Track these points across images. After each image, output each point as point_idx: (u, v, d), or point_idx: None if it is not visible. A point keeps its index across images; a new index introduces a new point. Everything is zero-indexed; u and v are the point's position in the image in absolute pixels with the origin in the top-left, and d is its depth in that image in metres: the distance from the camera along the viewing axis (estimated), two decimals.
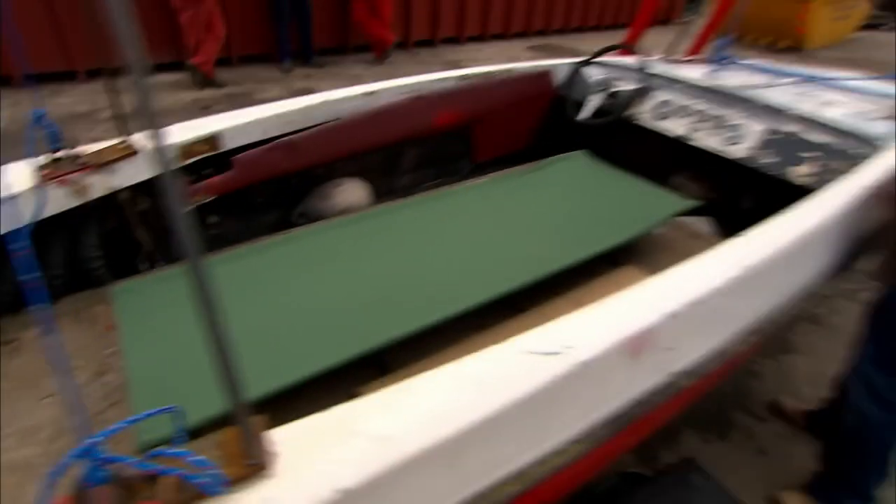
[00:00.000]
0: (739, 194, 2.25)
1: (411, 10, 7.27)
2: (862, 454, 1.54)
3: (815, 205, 1.37)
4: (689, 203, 1.88)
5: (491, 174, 2.31)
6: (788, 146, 1.83)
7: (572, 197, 1.98)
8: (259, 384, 1.08)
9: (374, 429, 0.71)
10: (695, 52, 3.74)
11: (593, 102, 2.35)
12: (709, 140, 2.03)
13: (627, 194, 1.99)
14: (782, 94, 2.23)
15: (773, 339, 2.41)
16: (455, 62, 7.01)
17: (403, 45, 7.36)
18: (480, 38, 8.29)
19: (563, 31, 9.39)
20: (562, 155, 2.22)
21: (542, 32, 9.08)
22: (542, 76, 2.55)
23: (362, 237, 1.68)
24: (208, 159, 1.75)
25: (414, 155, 2.32)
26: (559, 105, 2.51)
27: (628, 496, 1.48)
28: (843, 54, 8.79)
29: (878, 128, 1.87)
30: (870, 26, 10.18)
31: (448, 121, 2.26)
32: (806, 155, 1.79)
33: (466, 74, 2.33)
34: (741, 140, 1.94)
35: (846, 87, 2.37)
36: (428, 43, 7.74)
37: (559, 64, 2.59)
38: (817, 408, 1.92)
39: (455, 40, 8.01)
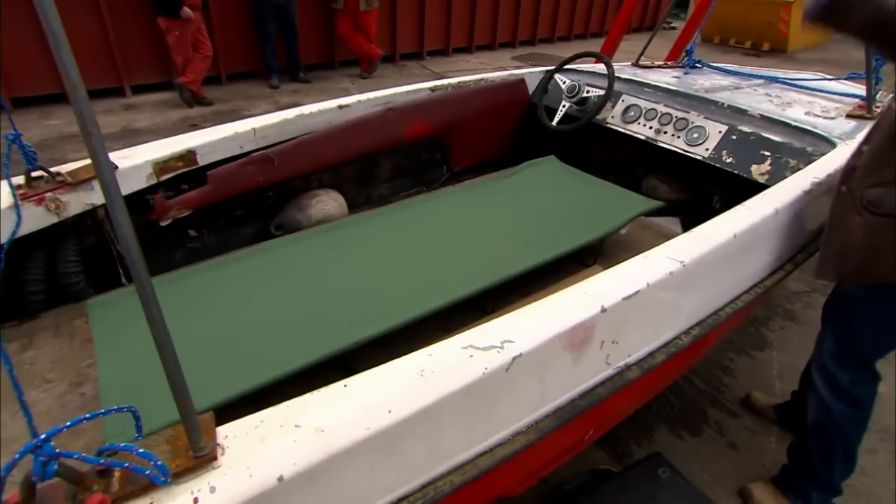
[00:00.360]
0: (710, 194, 2.31)
1: (397, 23, 7.38)
2: (827, 448, 1.57)
3: (764, 200, 1.42)
4: (655, 203, 1.93)
5: (465, 181, 2.37)
6: (750, 145, 1.89)
7: (540, 200, 2.03)
8: (227, 387, 1.13)
9: (315, 421, 0.76)
10: (674, 58, 3.83)
11: (565, 108, 2.41)
12: (675, 141, 2.09)
13: (596, 196, 2.04)
14: (748, 96, 2.30)
15: (740, 332, 2.46)
16: (442, 74, 7.11)
17: (391, 58, 7.47)
18: (467, 49, 8.42)
19: (549, 40, 9.53)
20: (532, 161, 2.28)
21: (527, 42, 9.22)
22: (515, 85, 2.61)
23: (336, 246, 1.73)
24: (185, 175, 1.80)
25: (389, 165, 2.37)
26: (532, 112, 2.57)
27: (596, 492, 1.52)
28: (823, 55, 8.93)
29: (834, 126, 1.93)
30: None
31: (421, 131, 2.32)
32: (766, 153, 1.85)
33: (439, 85, 2.39)
34: (705, 140, 2.00)
35: (809, 87, 2.44)
36: (415, 55, 7.85)
37: (532, 72, 2.66)
38: (787, 401, 1.96)
39: (442, 52, 8.13)
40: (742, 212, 1.36)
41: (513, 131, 2.70)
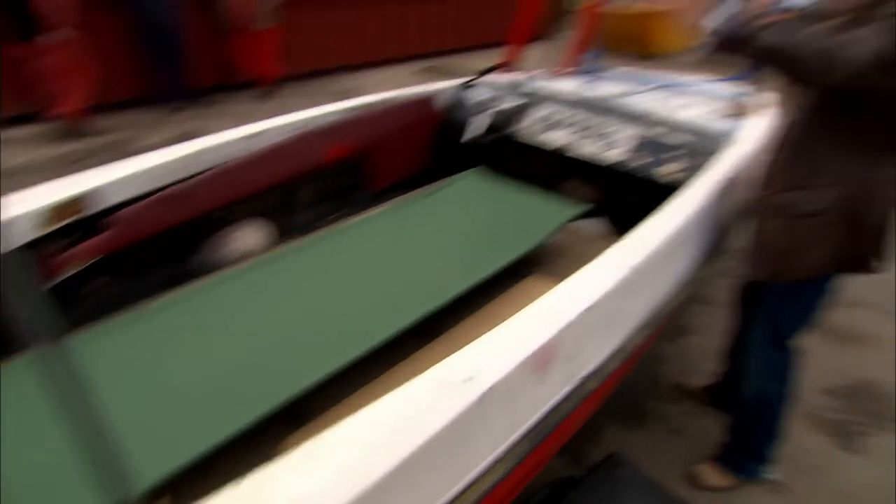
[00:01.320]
0: (624, 193, 2.44)
1: (296, 40, 7.18)
2: (764, 424, 1.72)
3: (683, 201, 1.51)
4: (581, 208, 2.00)
5: (390, 201, 2.32)
6: (656, 148, 2.02)
7: (470, 215, 2.04)
8: (164, 462, 0.99)
9: (289, 493, 0.68)
10: (569, 66, 4.03)
11: (479, 122, 2.44)
12: (587, 148, 2.18)
13: (523, 206, 2.08)
14: (646, 101, 2.46)
15: (670, 325, 2.62)
16: (347, 91, 7.01)
17: (291, 77, 7.25)
18: (371, 64, 8.37)
19: (454, 51, 9.73)
20: (456, 175, 2.29)
21: (433, 54, 9.34)
22: (426, 101, 2.61)
23: (262, 284, 1.62)
24: (83, 220, 1.60)
25: (310, 191, 2.27)
26: (447, 127, 2.58)
27: (565, 501, 1.52)
28: (690, 59, 9.87)
29: (723, 125, 2.11)
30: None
31: (339, 154, 2.25)
32: (667, 155, 1.98)
33: (351, 107, 2.34)
34: (614, 146, 2.11)
35: (698, 90, 2.66)
36: (317, 73, 7.68)
37: (443, 88, 2.67)
38: (714, 382, 2.10)
39: (345, 68, 8.02)
40: (667, 214, 1.43)
41: (428, 148, 2.70)
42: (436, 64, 8.94)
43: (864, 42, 1.01)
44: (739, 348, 1.89)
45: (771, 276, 1.50)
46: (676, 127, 2.07)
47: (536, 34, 11.39)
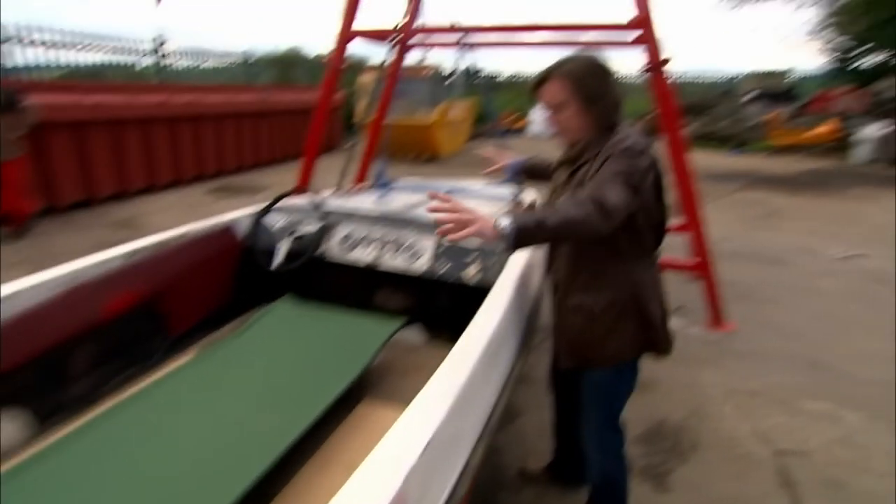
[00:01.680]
0: (434, 298, 2.57)
1: (56, 168, 6.31)
2: (613, 499, 1.86)
3: (493, 302, 1.64)
4: (398, 321, 2.04)
5: (195, 346, 2.08)
6: (456, 254, 2.21)
7: (287, 349, 1.93)
8: None
9: None
10: (361, 179, 4.27)
11: (283, 248, 2.39)
12: (395, 261, 2.28)
13: (340, 331, 2.06)
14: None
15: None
16: (126, 221, 6.32)
17: (52, 210, 6.29)
18: (151, 189, 7.74)
19: (244, 168, 9.56)
20: (266, 307, 2.18)
21: (221, 174, 9.04)
22: (224, 232, 2.49)
23: (39, 493, 1.26)
24: None
25: (87, 353, 1.91)
26: (250, 256, 2.47)
27: None
28: (465, 159, 11.43)
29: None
30: (477, 136, 13.67)
31: (124, 303, 1.97)
32: (470, 259, 2.18)
33: (139, 248, 2.09)
34: (419, 256, 2.25)
35: (480, 193, 3.03)
36: (86, 203, 6.80)
37: (240, 216, 2.58)
38: (553, 458, 2.23)
39: (120, 196, 7.26)
40: (482, 319, 1.52)
41: (230, 280, 2.54)
42: (229, 182, 8.67)
43: (616, 196, 1.36)
44: (565, 422, 2.06)
45: (582, 364, 1.70)
46: None
47: (330, 147, 11.96)
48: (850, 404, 2.81)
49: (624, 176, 1.39)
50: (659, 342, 1.65)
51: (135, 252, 2.06)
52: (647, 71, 3.17)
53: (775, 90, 13.94)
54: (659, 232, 1.62)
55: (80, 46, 8.00)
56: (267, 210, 2.54)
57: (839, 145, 12.30)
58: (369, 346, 1.84)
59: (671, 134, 3.29)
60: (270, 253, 2.43)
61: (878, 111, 12.28)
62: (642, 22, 3.15)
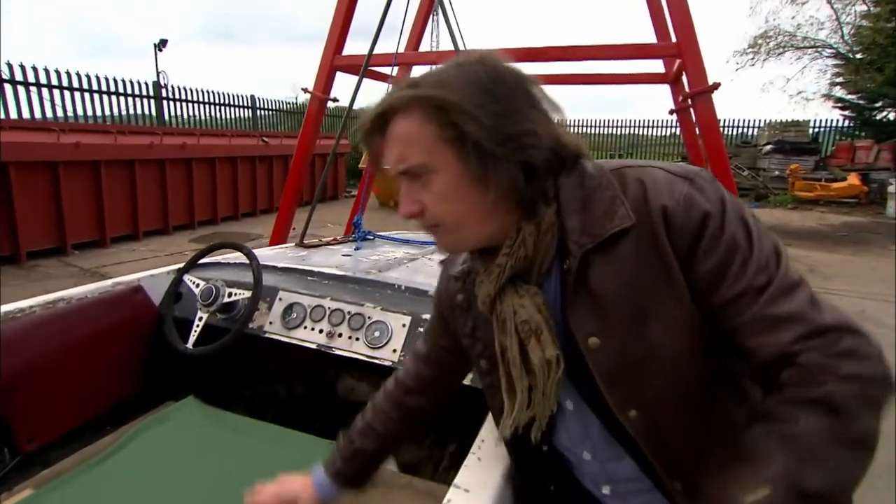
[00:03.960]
0: None
1: (18, 214, 5.75)
2: None
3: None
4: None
5: (57, 466, 1.38)
6: None
7: (186, 477, 1.23)
8: None
9: None
10: (349, 231, 3.64)
11: (203, 320, 1.71)
12: (354, 345, 1.59)
13: (252, 458, 1.36)
14: (425, 269, 2.03)
15: None
16: (94, 270, 5.72)
17: (13, 258, 5.73)
18: (132, 236, 7.20)
19: (232, 217, 9.06)
20: (155, 414, 1.48)
21: (208, 222, 8.53)
22: (129, 295, 1.83)
23: None
24: None
25: None
26: (160, 331, 1.79)
27: None
28: None
29: None
30: None
31: None
32: None
33: None
34: (389, 339, 1.55)
35: None
36: (55, 251, 6.23)
37: (158, 273, 1.93)
38: None
39: (96, 243, 6.71)
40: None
41: (137, 361, 1.85)
42: (214, 231, 8.13)
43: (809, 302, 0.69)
44: None
45: None
46: None
47: (335, 195, 11.49)
48: None
49: (776, 255, 0.67)
50: None
51: None
52: (690, 98, 2.57)
53: (795, 141, 13.44)
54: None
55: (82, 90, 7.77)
56: (192, 265, 1.88)
57: (867, 199, 11.66)
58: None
59: (720, 171, 2.64)
60: (189, 324, 1.76)
61: None
62: (683, 45, 2.57)
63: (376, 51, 2.86)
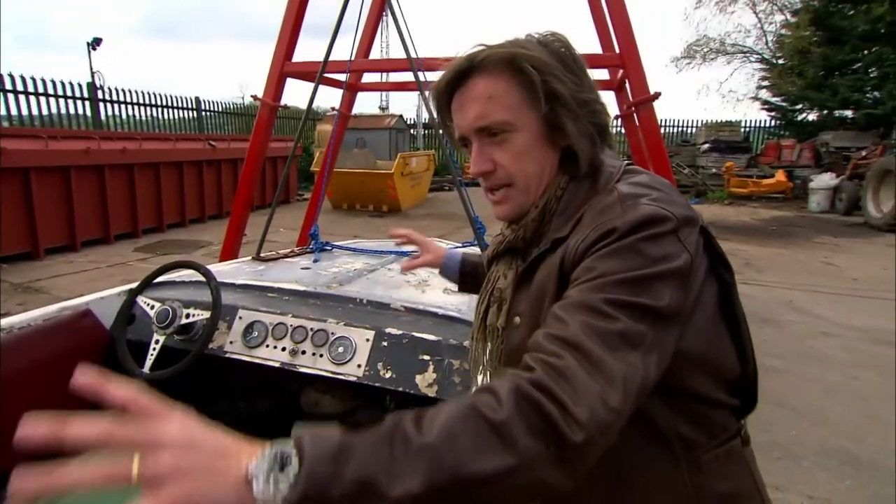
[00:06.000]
0: (381, 397, 1.88)
1: None
2: None
3: None
4: None
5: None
6: (405, 351, 1.54)
7: None
8: None
9: None
10: (303, 241, 3.59)
11: (160, 343, 1.67)
12: (318, 362, 1.59)
13: None
14: (386, 280, 2.05)
15: None
16: (26, 285, 5.38)
17: None
18: (69, 247, 6.80)
19: (180, 224, 8.71)
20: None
21: (153, 230, 8.17)
22: (79, 319, 1.76)
23: None
24: None
25: None
26: (113, 355, 1.73)
27: None
28: (429, 210, 10.89)
29: (467, 305, 1.77)
30: (435, 189, 13.29)
31: None
32: (426, 357, 1.51)
33: None
34: (354, 354, 1.56)
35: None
36: None
37: (108, 295, 1.86)
38: None
39: (29, 256, 6.31)
40: None
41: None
42: (161, 238, 7.79)
43: (621, 362, 0.58)
44: None
45: None
46: (426, 315, 1.66)
47: (286, 199, 11.20)
48: None
49: (637, 291, 0.60)
50: None
51: None
52: (633, 107, 2.70)
53: (730, 140, 14.23)
54: (744, 385, 0.77)
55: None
56: (145, 285, 1.83)
57: (792, 194, 12.51)
58: None
59: (660, 174, 2.79)
60: (144, 347, 1.71)
61: (825, 162, 12.65)
62: (626, 56, 2.70)
63: (330, 57, 2.85)
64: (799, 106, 15.79)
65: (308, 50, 3.40)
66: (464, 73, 0.75)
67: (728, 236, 8.64)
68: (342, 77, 3.61)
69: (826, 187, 11.18)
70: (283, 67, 3.42)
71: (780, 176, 12.61)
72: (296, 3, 3.39)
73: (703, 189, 13.27)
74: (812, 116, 15.69)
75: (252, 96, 3.61)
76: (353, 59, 2.91)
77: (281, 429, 2.04)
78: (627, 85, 2.97)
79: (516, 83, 0.73)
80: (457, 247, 1.50)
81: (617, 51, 2.81)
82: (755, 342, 0.78)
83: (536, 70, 0.71)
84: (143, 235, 7.86)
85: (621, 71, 3.16)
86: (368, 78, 4.09)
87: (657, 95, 2.61)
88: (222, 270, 2.09)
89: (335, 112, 4.29)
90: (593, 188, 0.75)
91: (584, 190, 0.76)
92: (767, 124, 16.88)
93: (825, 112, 14.95)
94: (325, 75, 3.20)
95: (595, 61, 3.01)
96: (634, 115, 3.09)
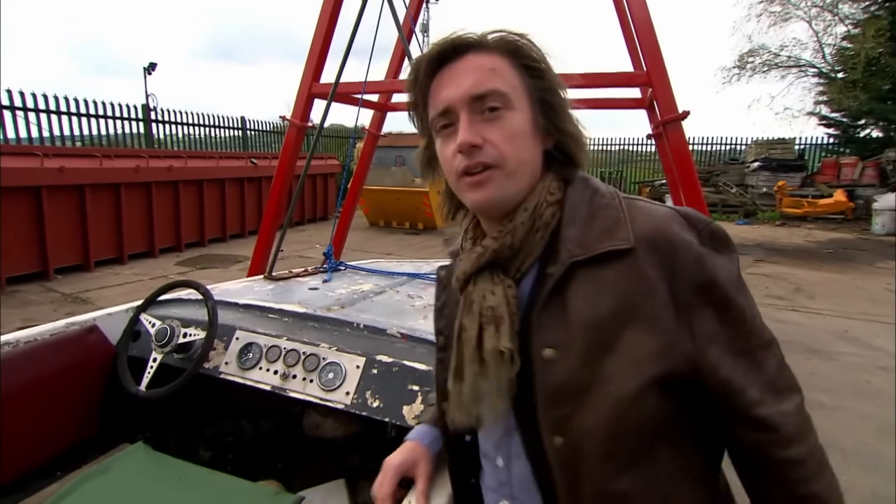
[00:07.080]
0: (365, 440, 1.83)
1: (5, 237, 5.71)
2: None
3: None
4: (290, 498, 1.29)
5: None
6: (394, 380, 1.47)
7: None
8: None
9: None
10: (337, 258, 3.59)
11: (157, 361, 1.68)
12: (308, 387, 1.55)
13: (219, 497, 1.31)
14: (390, 304, 2.00)
15: None
16: (77, 295, 5.65)
17: None
18: (116, 260, 7.13)
19: (220, 239, 9.00)
20: (97, 464, 1.44)
21: (195, 244, 8.47)
22: (86, 334, 1.79)
23: None
24: None
25: None
26: (114, 373, 1.75)
27: None
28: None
29: None
30: None
31: None
32: (415, 388, 1.44)
33: None
34: (343, 381, 1.51)
35: None
36: (37, 276, 6.16)
37: (116, 311, 1.89)
38: None
39: (80, 268, 6.64)
40: None
41: (94, 403, 1.80)
42: (202, 253, 8.06)
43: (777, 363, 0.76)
44: None
45: None
46: (422, 343, 1.59)
47: (324, 215, 11.40)
48: None
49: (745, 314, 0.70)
50: None
51: None
52: (661, 126, 2.58)
53: (782, 159, 13.58)
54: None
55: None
56: (149, 303, 1.85)
57: (853, 215, 11.76)
58: None
59: (691, 198, 2.65)
60: (143, 364, 1.72)
61: (891, 181, 11.85)
62: (653, 75, 2.59)
63: (353, 77, 2.89)
64: (862, 121, 14.92)
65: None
66: (461, 47, 0.72)
67: (777, 259, 8.18)
68: (374, 98, 3.64)
69: (892, 208, 10.44)
70: (311, 89, 3.48)
71: (840, 195, 11.88)
72: (323, 28, 3.46)
73: (753, 209, 12.67)
74: (877, 132, 14.79)
75: (280, 117, 3.69)
76: (367, 80, 2.93)
77: (281, 453, 2.01)
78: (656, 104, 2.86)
79: (517, 67, 0.72)
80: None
81: (645, 69, 2.71)
82: (800, 374, 0.71)
83: (531, 57, 0.72)
84: (185, 249, 8.16)
85: (650, 90, 3.05)
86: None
87: (686, 114, 2.48)
88: (230, 289, 2.10)
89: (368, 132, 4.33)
90: (597, 194, 0.73)
91: (588, 195, 0.73)
92: (824, 141, 16.01)
93: (892, 127, 14.05)
94: (355, 96, 3.24)
95: (623, 80, 2.92)
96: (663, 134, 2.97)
